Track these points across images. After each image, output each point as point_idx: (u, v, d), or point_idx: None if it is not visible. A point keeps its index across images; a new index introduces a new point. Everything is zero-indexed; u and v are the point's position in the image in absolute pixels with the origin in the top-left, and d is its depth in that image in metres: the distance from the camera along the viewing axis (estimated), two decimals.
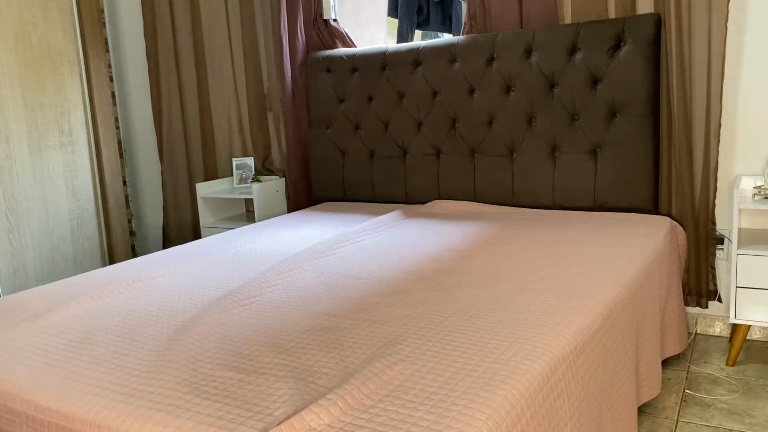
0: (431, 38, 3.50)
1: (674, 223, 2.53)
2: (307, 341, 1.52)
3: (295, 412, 1.17)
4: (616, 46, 2.61)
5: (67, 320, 1.77)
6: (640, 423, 2.01)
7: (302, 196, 3.56)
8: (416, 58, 3.09)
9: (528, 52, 2.81)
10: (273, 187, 3.51)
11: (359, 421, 1.13)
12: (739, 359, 2.45)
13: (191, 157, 3.86)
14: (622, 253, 2.08)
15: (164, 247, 4.01)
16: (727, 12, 2.41)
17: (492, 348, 1.41)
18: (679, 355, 2.47)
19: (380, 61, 3.19)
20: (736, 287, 2.32)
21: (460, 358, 1.36)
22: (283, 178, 3.60)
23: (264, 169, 3.71)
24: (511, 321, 1.55)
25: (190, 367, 1.42)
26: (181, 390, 1.31)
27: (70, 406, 1.29)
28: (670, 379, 2.29)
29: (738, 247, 2.31)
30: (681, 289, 2.46)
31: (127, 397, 1.30)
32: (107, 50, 3.81)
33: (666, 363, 2.44)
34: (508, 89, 2.88)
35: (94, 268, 3.53)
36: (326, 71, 3.34)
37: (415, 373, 1.31)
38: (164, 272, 2.20)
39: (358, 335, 1.53)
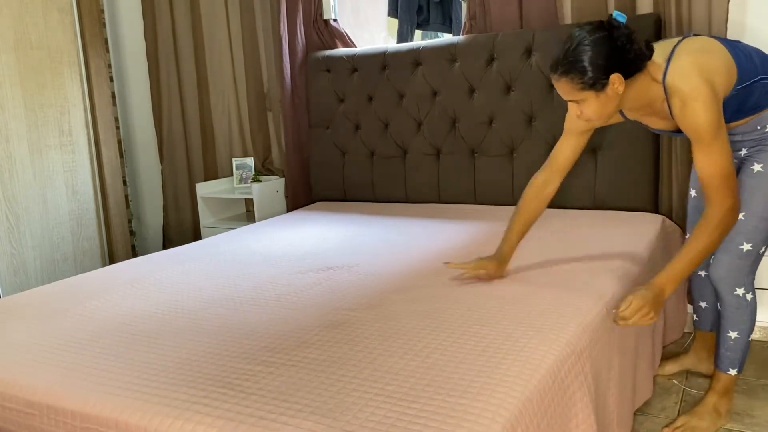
0: (431, 38, 3.50)
1: (668, 221, 2.54)
2: (332, 335, 1.54)
3: (337, 405, 1.19)
4: None
5: (78, 320, 1.77)
6: (639, 423, 2.01)
7: (301, 196, 3.56)
8: (416, 58, 3.09)
9: (528, 52, 2.82)
10: (273, 187, 3.51)
11: (412, 411, 1.16)
12: None
13: (191, 157, 3.86)
14: (621, 251, 2.09)
15: (164, 247, 4.02)
16: (727, 12, 2.41)
17: (517, 338, 1.45)
18: (679, 354, 2.47)
19: (380, 61, 3.19)
20: None
21: (488, 348, 1.41)
22: (283, 178, 3.60)
23: (264, 169, 3.71)
24: (530, 313, 1.60)
25: (217, 362, 1.43)
26: (213, 384, 1.32)
27: (102, 408, 1.28)
28: (670, 378, 2.29)
29: None
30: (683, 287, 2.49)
31: (160, 391, 1.30)
32: (107, 50, 3.81)
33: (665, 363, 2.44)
34: (508, 89, 2.88)
35: (94, 268, 3.53)
36: (326, 71, 3.34)
37: (448, 364, 1.34)
38: (169, 272, 2.20)
39: (380, 328, 1.55)
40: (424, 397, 1.20)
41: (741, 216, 1.78)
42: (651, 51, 1.62)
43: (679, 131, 1.80)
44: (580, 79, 1.58)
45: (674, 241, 2.51)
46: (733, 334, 1.89)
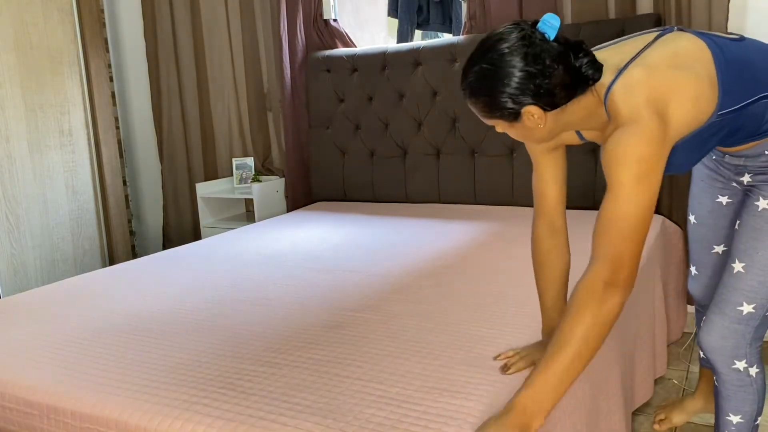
0: (431, 38, 3.50)
1: (668, 221, 2.54)
2: (333, 335, 1.54)
3: (338, 406, 1.19)
4: None
5: (78, 320, 1.76)
6: (640, 423, 2.01)
7: (301, 196, 3.56)
8: (416, 58, 3.09)
9: None
10: (273, 187, 3.51)
11: (414, 413, 1.16)
12: None
13: (191, 157, 3.86)
14: None
15: (164, 247, 4.01)
16: (727, 12, 2.41)
17: (521, 340, 1.44)
18: (678, 354, 2.47)
19: (380, 61, 3.19)
20: None
21: (492, 349, 1.41)
22: (283, 178, 3.59)
23: (264, 169, 3.71)
24: (534, 315, 1.59)
25: (217, 362, 1.43)
26: (213, 384, 1.32)
27: (102, 408, 1.28)
28: (670, 379, 2.29)
29: None
30: (678, 285, 2.49)
31: (160, 391, 1.30)
32: (107, 50, 3.81)
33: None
34: None
35: (94, 268, 3.53)
36: (326, 71, 3.34)
37: (450, 365, 1.34)
38: (169, 272, 2.20)
39: (382, 329, 1.56)
40: (428, 399, 1.20)
41: (740, 268, 1.39)
42: (597, 71, 1.15)
43: None
44: (483, 105, 1.16)
45: (674, 241, 2.51)
46: (734, 419, 1.52)
